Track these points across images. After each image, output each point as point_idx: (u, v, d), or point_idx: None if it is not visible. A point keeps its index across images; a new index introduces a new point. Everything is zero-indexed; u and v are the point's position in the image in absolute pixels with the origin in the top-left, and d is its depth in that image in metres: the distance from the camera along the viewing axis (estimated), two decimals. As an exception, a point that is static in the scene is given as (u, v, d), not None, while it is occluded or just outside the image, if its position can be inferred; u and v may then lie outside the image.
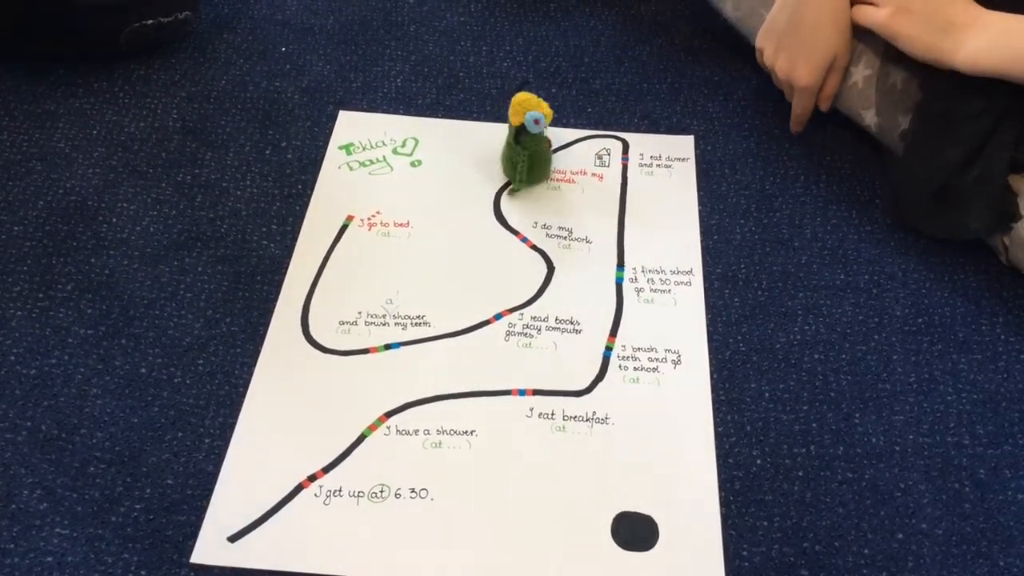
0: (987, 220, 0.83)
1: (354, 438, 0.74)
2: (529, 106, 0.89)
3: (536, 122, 0.88)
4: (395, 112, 1.02)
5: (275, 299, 0.83)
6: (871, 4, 0.87)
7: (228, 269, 0.86)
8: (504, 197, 0.93)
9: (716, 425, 0.76)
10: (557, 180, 0.95)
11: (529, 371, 0.79)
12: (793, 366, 0.80)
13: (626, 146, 0.99)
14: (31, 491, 0.70)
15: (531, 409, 0.77)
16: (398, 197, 0.93)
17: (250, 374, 0.78)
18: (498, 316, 0.83)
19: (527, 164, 0.91)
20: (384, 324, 0.82)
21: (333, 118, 1.01)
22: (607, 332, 0.82)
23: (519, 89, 0.91)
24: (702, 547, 0.69)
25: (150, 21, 1.00)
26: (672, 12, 1.15)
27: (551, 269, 0.87)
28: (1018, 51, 0.78)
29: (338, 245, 0.88)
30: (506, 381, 0.78)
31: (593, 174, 0.96)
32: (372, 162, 0.96)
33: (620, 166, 0.97)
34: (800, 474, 0.74)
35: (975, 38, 0.80)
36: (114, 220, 0.89)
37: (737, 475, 0.73)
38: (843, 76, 0.93)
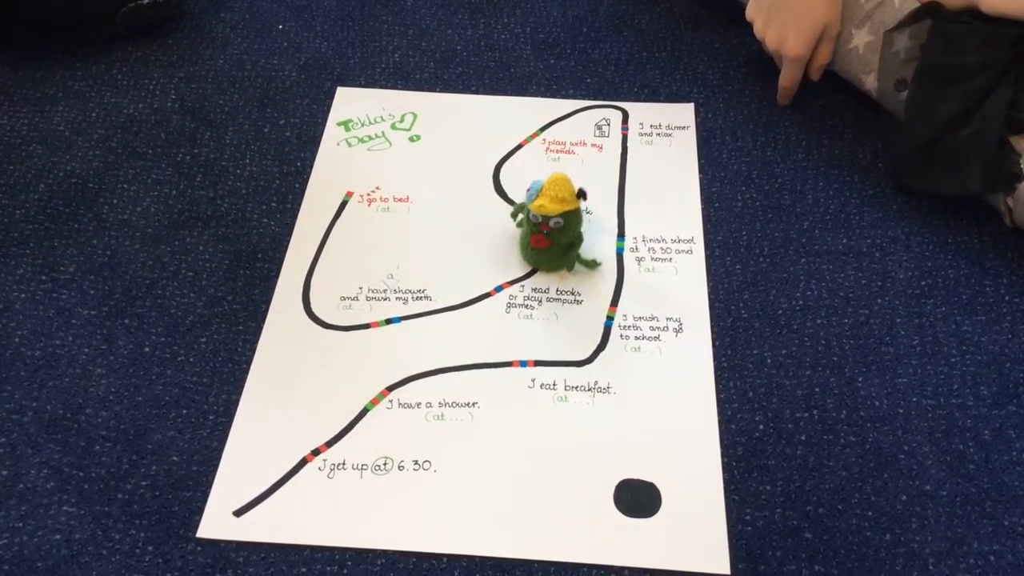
0: (984, 178, 0.82)
1: (357, 412, 0.74)
2: (549, 187, 0.78)
3: (527, 189, 0.79)
4: (393, 87, 1.02)
5: (276, 276, 0.83)
6: None
7: (229, 247, 0.86)
8: (504, 169, 0.93)
9: (718, 391, 0.76)
10: (556, 152, 0.94)
11: (530, 342, 0.79)
12: (795, 331, 0.80)
13: (626, 115, 0.98)
14: (38, 470, 0.71)
15: (533, 380, 0.77)
16: (397, 172, 0.93)
17: (252, 351, 0.78)
18: (499, 288, 0.83)
19: (525, 235, 0.83)
20: (385, 299, 0.82)
21: (331, 95, 1.00)
22: (608, 302, 0.82)
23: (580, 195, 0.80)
24: (705, 513, 0.69)
25: (145, 0, 1.00)
26: (671, -21, 1.14)
27: (551, 240, 0.87)
28: None
29: (338, 221, 0.88)
30: (508, 353, 0.78)
31: (593, 144, 0.95)
32: (371, 138, 0.96)
33: (620, 136, 0.96)
34: (803, 438, 0.73)
35: None
36: (115, 201, 0.89)
37: (740, 440, 0.73)
38: (834, 45, 0.92)
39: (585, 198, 0.79)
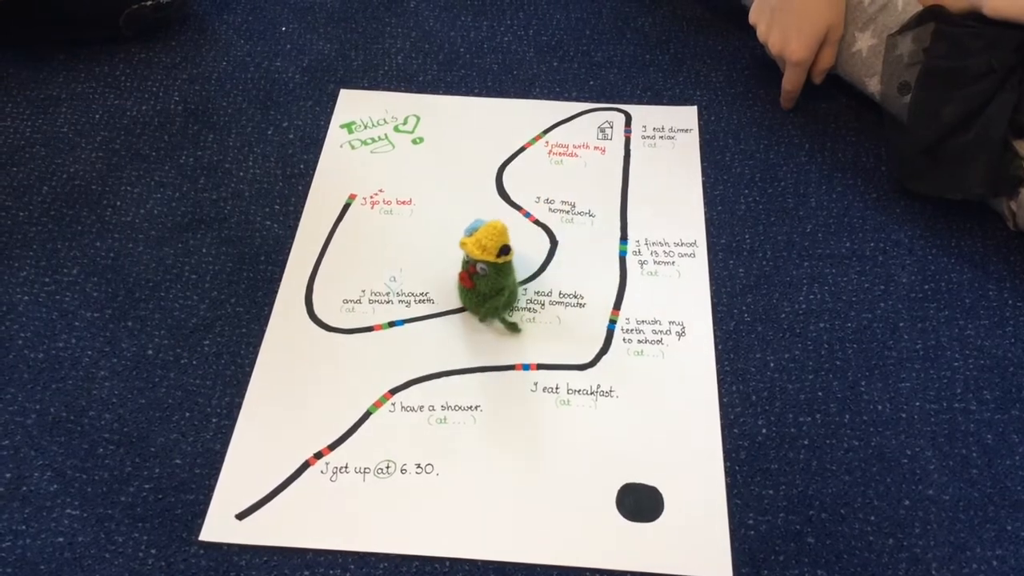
0: (987, 182, 0.82)
1: (360, 415, 0.74)
2: (482, 231, 0.75)
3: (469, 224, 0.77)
4: (396, 90, 1.02)
5: (279, 279, 0.83)
6: None
7: (232, 250, 0.86)
8: (507, 172, 0.93)
9: (721, 395, 0.76)
10: (559, 154, 0.94)
11: (533, 346, 0.79)
12: (798, 335, 0.80)
13: (629, 118, 0.98)
14: (41, 473, 0.71)
15: (535, 383, 0.77)
16: (400, 175, 0.93)
17: (255, 354, 0.78)
18: (501, 291, 0.83)
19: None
20: (388, 302, 0.82)
21: (334, 97, 1.00)
22: (611, 305, 0.82)
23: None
24: (707, 517, 0.69)
25: (148, 2, 1.00)
26: (674, -18, 1.14)
27: (554, 243, 0.87)
28: None
29: (341, 224, 0.88)
30: (510, 356, 0.78)
31: (595, 147, 0.95)
32: (374, 140, 0.96)
33: (623, 139, 0.96)
34: (806, 443, 0.73)
35: None
36: (118, 204, 0.89)
37: (742, 444, 0.73)
38: (837, 49, 0.92)
39: (507, 254, 0.76)
